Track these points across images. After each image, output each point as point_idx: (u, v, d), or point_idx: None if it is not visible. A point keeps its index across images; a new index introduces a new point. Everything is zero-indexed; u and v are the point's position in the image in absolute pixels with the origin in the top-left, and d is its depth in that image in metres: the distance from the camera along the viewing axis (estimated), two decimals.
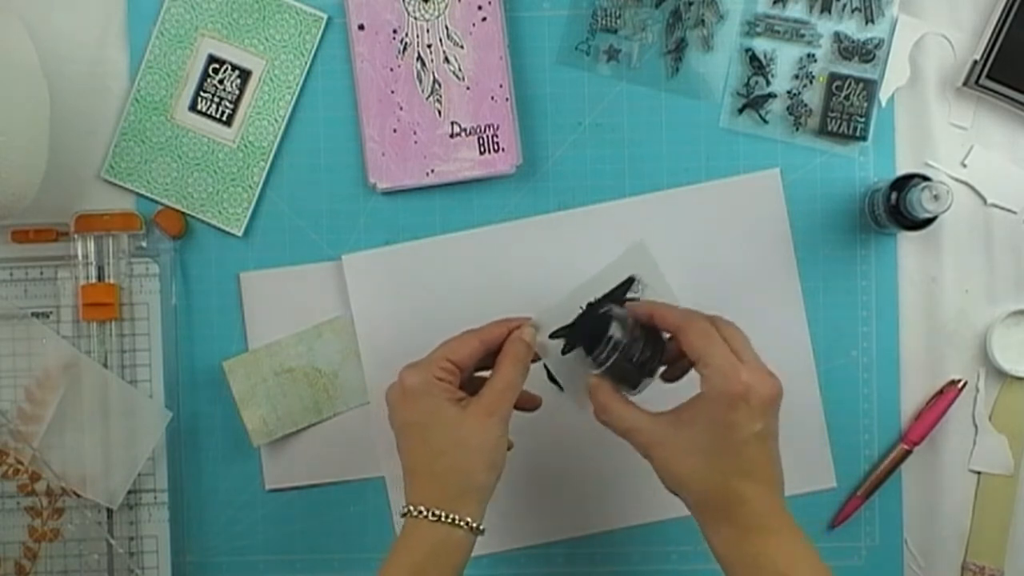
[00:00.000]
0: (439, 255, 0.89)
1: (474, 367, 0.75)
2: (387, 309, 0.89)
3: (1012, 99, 0.88)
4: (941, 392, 0.89)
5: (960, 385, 0.88)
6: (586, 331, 0.76)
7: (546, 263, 0.88)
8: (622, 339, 0.73)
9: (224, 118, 0.89)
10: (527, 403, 0.80)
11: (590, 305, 0.79)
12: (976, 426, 0.89)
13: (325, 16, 0.89)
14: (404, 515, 0.71)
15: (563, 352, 0.78)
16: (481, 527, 0.71)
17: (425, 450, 0.72)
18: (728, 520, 0.69)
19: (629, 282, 0.80)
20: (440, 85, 0.88)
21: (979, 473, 0.89)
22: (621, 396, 0.73)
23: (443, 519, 0.70)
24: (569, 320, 0.78)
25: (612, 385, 0.74)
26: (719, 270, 0.88)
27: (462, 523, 0.70)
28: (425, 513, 0.70)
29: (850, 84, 0.89)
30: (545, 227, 0.89)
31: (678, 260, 0.87)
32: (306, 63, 0.89)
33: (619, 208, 0.89)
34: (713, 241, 0.88)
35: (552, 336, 0.78)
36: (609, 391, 0.73)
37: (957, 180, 0.89)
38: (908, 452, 0.88)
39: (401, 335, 0.88)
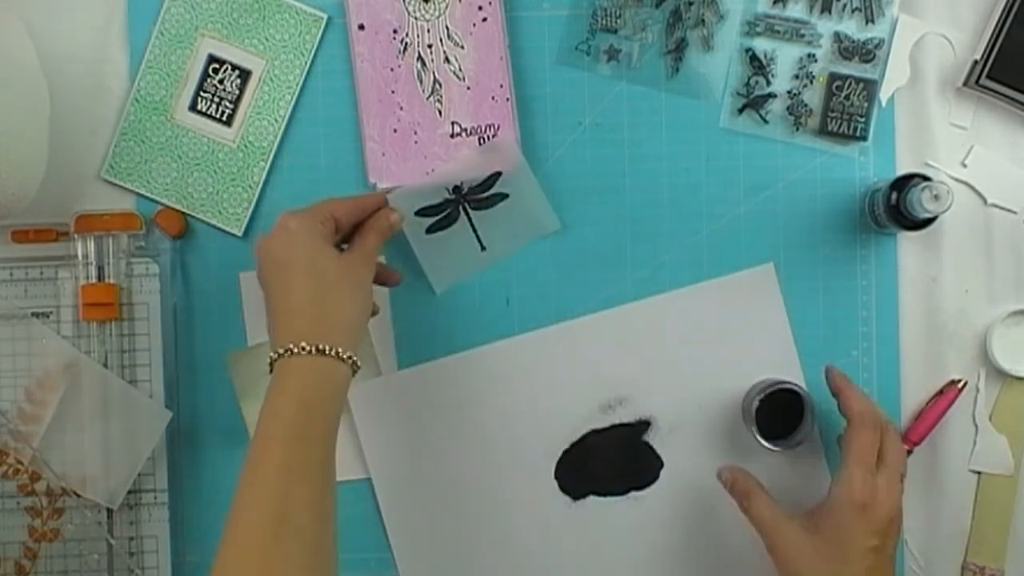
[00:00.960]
0: (443, 378, 0.89)
1: (348, 229, 0.80)
2: (395, 434, 0.89)
3: (1012, 99, 0.88)
4: (941, 392, 0.89)
5: (960, 385, 0.88)
6: (777, 407, 0.84)
7: (548, 376, 0.89)
8: (809, 428, 0.83)
9: (224, 118, 0.89)
10: (387, 278, 0.86)
11: (455, 189, 0.88)
12: (976, 426, 0.89)
13: (325, 16, 0.89)
14: (280, 356, 0.71)
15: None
16: (359, 362, 0.73)
17: (306, 287, 0.73)
18: None
19: (496, 176, 0.87)
20: (440, 85, 0.88)
21: (979, 473, 0.89)
22: (764, 491, 0.81)
23: (327, 352, 0.71)
24: (432, 200, 0.87)
25: (755, 480, 0.82)
26: (719, 372, 0.89)
27: (344, 356, 0.72)
28: (308, 348, 0.71)
29: (850, 84, 0.89)
30: (543, 342, 0.89)
31: (678, 364, 0.89)
32: (306, 63, 0.89)
33: (615, 316, 0.89)
34: (711, 343, 0.89)
35: (417, 214, 0.87)
36: (755, 484, 0.81)
37: (957, 180, 0.89)
38: (909, 452, 0.88)
39: (411, 457, 0.89)
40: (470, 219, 0.89)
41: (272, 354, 0.72)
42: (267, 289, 0.75)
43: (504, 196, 0.88)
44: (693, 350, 0.88)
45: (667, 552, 0.88)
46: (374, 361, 0.89)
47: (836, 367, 0.84)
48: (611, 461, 0.89)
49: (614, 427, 0.88)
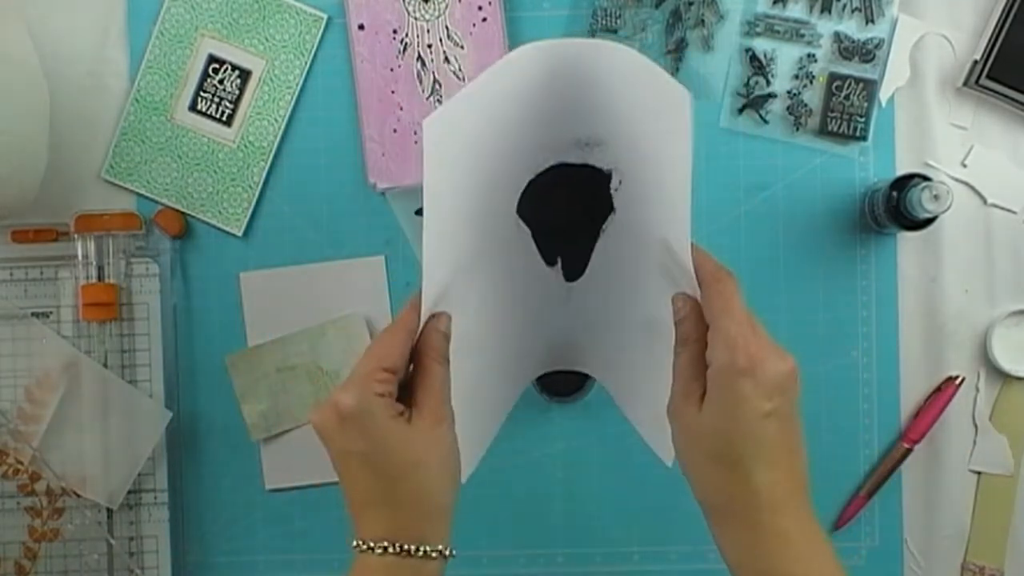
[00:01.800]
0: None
1: (407, 365, 0.64)
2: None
3: (1012, 99, 0.88)
4: (939, 389, 0.88)
5: (958, 381, 0.88)
6: None
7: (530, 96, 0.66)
8: None
9: (224, 118, 0.89)
10: None
11: None
12: (976, 426, 0.89)
13: (325, 16, 0.89)
14: (362, 551, 0.61)
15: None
16: (453, 551, 0.63)
17: (377, 479, 0.62)
18: (738, 518, 0.60)
19: None
20: (440, 85, 0.88)
21: (979, 473, 0.89)
22: (700, 348, 0.63)
23: (412, 552, 0.61)
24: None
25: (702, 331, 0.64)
26: None
27: (434, 552, 0.62)
28: (389, 548, 0.61)
29: (850, 84, 0.89)
30: (536, 56, 0.65)
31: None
32: (306, 63, 0.89)
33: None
34: None
35: (417, 213, 0.84)
36: (698, 336, 0.64)
37: (957, 180, 0.89)
38: (908, 451, 0.88)
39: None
40: None
41: (354, 541, 0.62)
42: (336, 471, 0.64)
43: None
44: None
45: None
46: None
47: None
48: (573, 199, 0.72)
49: (585, 166, 0.70)
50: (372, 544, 0.61)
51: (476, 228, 0.66)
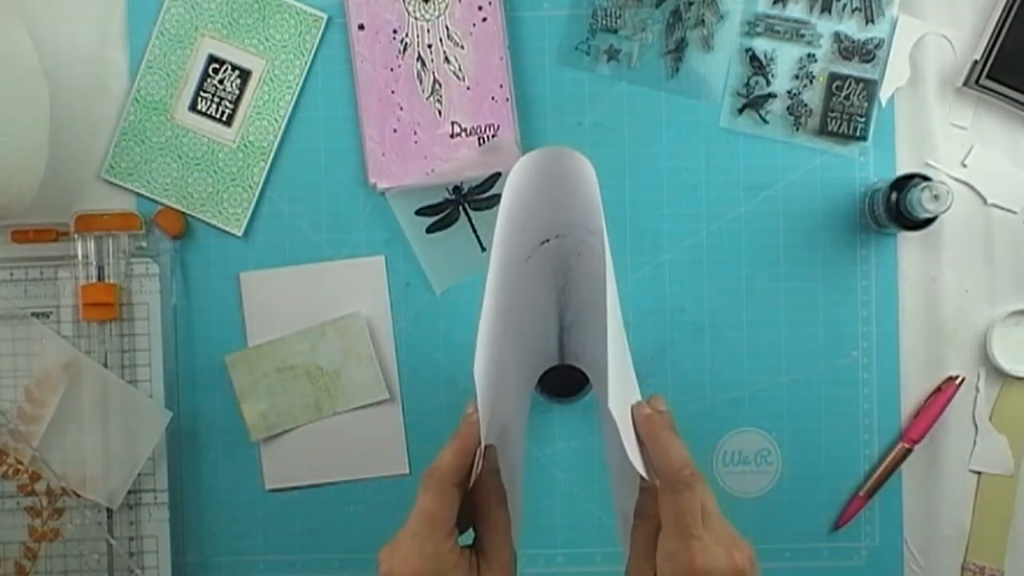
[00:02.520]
0: None
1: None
2: None
3: (1012, 99, 0.88)
4: (939, 389, 0.89)
5: (958, 381, 0.88)
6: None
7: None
8: None
9: (224, 118, 0.89)
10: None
11: (456, 189, 0.87)
12: (976, 426, 0.89)
13: (325, 16, 0.89)
14: None
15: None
16: None
17: None
18: None
19: (496, 176, 0.87)
20: (440, 85, 0.88)
21: (979, 473, 0.89)
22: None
23: None
24: (432, 200, 0.88)
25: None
26: None
27: None
28: None
29: (850, 84, 0.89)
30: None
31: None
32: (306, 63, 0.89)
33: None
34: None
35: (417, 213, 0.88)
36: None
37: (957, 180, 0.89)
38: (908, 451, 0.88)
39: None
40: (470, 219, 0.89)
41: None
42: None
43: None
44: None
45: None
46: (380, 385, 0.89)
47: (646, 407, 0.65)
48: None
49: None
50: None
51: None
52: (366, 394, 0.90)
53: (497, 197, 0.88)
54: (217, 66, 0.89)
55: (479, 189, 0.88)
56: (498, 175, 0.88)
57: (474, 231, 0.89)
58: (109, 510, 0.88)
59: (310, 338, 0.89)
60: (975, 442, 0.89)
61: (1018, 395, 0.89)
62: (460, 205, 0.89)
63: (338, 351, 0.89)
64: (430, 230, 0.89)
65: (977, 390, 0.89)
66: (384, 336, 0.90)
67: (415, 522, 0.62)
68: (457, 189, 0.88)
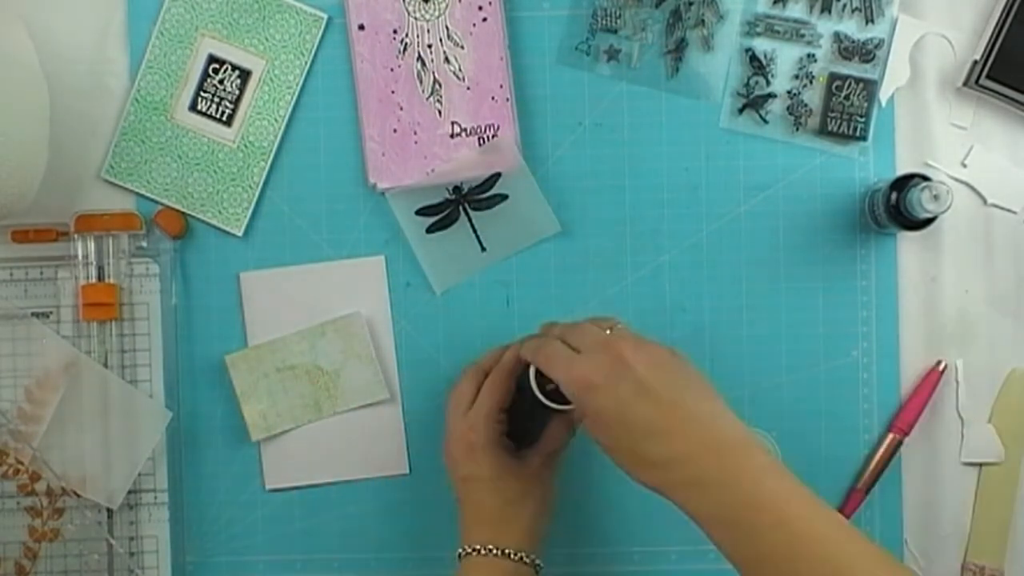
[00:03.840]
0: None
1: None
2: None
3: (1012, 99, 0.88)
4: (926, 377, 0.89)
5: (941, 368, 0.88)
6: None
7: None
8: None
9: (224, 118, 0.89)
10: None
11: (456, 189, 0.88)
12: (961, 418, 0.89)
13: (325, 16, 0.89)
14: (469, 554, 0.77)
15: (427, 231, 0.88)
16: (541, 564, 0.78)
17: (492, 502, 0.78)
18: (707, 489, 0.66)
19: (496, 176, 0.87)
20: (440, 85, 0.88)
21: (979, 473, 0.89)
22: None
23: (512, 556, 0.76)
24: (432, 200, 0.88)
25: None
26: None
27: (527, 560, 0.77)
28: (495, 551, 0.76)
29: (850, 84, 0.89)
30: None
31: None
32: (306, 63, 0.89)
33: None
34: None
35: (417, 213, 0.88)
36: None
37: (957, 180, 0.89)
38: (899, 441, 0.88)
39: None
40: (470, 220, 0.89)
41: (460, 549, 0.77)
42: (457, 493, 0.80)
43: (504, 197, 0.88)
44: None
45: None
46: (380, 385, 0.89)
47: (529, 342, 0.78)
48: None
49: None
50: (479, 547, 0.76)
51: None
52: (366, 394, 0.90)
53: (498, 197, 0.88)
54: (217, 66, 0.89)
55: (479, 189, 0.88)
56: (498, 175, 0.88)
57: (474, 231, 0.89)
58: (109, 510, 0.88)
59: (310, 338, 0.89)
60: (963, 434, 0.89)
61: (1018, 394, 0.89)
62: (460, 205, 0.89)
63: (338, 351, 0.89)
64: (430, 230, 0.89)
65: (957, 382, 0.89)
66: (384, 336, 0.90)
67: (451, 407, 0.81)
68: (457, 189, 0.88)
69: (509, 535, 0.77)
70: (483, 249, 0.89)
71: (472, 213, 0.89)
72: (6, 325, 0.89)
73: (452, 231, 0.89)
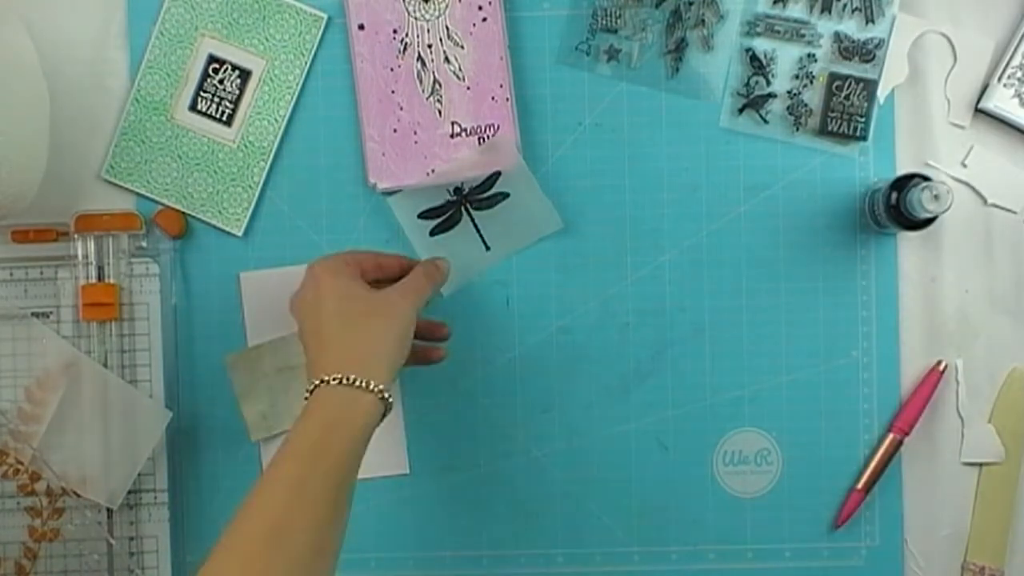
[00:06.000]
0: None
1: (370, 280, 0.80)
2: None
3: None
4: (927, 377, 0.89)
5: (941, 368, 0.88)
6: None
7: None
8: None
9: (224, 118, 0.89)
10: (432, 331, 0.86)
11: (456, 190, 0.88)
12: (961, 418, 0.89)
13: (325, 16, 0.89)
14: (312, 389, 0.72)
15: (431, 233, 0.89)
16: (390, 398, 0.73)
17: (336, 320, 0.75)
18: None
19: (496, 176, 0.87)
20: (440, 85, 0.88)
21: (979, 473, 0.89)
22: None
23: (355, 383, 0.71)
24: (434, 202, 0.88)
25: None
26: None
27: (372, 388, 0.72)
28: (338, 378, 0.71)
29: (850, 84, 0.89)
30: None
31: None
32: (306, 63, 0.89)
33: None
34: None
35: (420, 217, 0.88)
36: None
37: (957, 180, 0.89)
38: (900, 441, 0.88)
39: None
40: (473, 219, 0.89)
41: (305, 390, 0.73)
42: (302, 334, 0.77)
43: (505, 195, 0.88)
44: None
45: None
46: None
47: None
48: None
49: None
50: (323, 377, 0.72)
51: None
52: None
53: (499, 196, 0.88)
54: (217, 66, 0.89)
55: (480, 188, 0.88)
56: (498, 174, 0.88)
57: (478, 230, 0.89)
58: (109, 510, 0.88)
59: None
60: (963, 434, 0.89)
61: (1018, 394, 0.89)
62: (462, 205, 0.89)
63: None
64: (434, 232, 0.89)
65: (957, 382, 0.89)
66: None
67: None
68: (458, 190, 0.88)
69: (353, 359, 0.73)
70: (487, 248, 0.89)
71: (474, 213, 0.89)
72: (6, 325, 0.89)
73: (455, 232, 0.89)
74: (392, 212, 0.89)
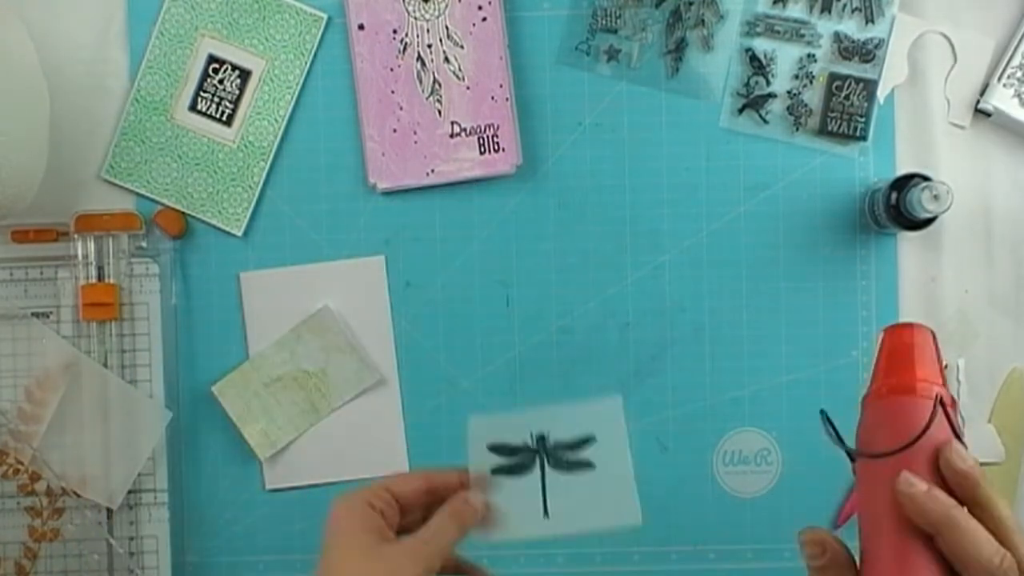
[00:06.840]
0: None
1: (420, 510, 0.68)
2: None
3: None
4: None
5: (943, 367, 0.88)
6: None
7: None
8: None
9: (224, 118, 0.89)
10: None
11: (539, 439, 0.72)
12: (962, 418, 0.89)
13: (325, 16, 0.89)
14: None
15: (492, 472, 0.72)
16: None
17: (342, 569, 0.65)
18: None
19: (590, 440, 0.72)
20: (440, 85, 0.89)
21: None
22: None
23: None
24: (512, 440, 0.72)
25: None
26: None
27: None
28: None
29: (850, 84, 0.89)
30: None
31: None
32: (306, 63, 0.89)
33: None
34: None
35: (490, 449, 0.72)
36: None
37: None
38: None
39: None
40: (544, 477, 0.73)
41: None
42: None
43: (590, 466, 0.73)
44: None
45: None
46: (367, 370, 0.89)
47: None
48: None
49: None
50: None
51: None
52: (357, 383, 0.89)
53: (583, 463, 0.73)
54: (217, 66, 0.89)
55: (566, 447, 0.73)
56: (592, 438, 0.73)
57: (543, 491, 0.73)
58: (109, 510, 0.88)
59: (288, 345, 0.89)
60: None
61: (1018, 393, 0.89)
62: (539, 456, 0.73)
63: (318, 349, 0.89)
64: (495, 471, 0.72)
65: (958, 382, 0.89)
66: (384, 336, 0.90)
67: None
68: (542, 439, 0.73)
69: None
70: (546, 514, 0.73)
71: (548, 471, 0.73)
72: (6, 325, 0.89)
73: (519, 481, 0.73)
74: (398, 220, 0.89)
